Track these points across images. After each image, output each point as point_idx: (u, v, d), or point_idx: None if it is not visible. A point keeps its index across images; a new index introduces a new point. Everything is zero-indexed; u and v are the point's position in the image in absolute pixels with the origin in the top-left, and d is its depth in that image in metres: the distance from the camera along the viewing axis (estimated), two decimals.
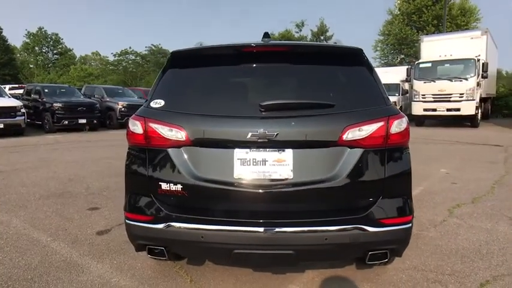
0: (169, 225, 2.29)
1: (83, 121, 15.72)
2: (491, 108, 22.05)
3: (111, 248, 3.54)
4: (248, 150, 2.26)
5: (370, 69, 2.48)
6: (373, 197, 2.29)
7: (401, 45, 30.46)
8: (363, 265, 2.94)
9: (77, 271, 3.06)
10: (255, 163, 2.25)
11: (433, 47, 18.55)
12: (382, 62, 33.64)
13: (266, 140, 2.21)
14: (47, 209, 4.76)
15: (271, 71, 2.54)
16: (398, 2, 31.93)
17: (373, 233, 2.23)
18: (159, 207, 2.35)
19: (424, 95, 17.18)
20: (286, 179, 2.24)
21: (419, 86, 17.36)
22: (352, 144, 2.24)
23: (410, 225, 2.35)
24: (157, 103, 2.41)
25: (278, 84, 2.56)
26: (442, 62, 17.20)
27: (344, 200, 2.30)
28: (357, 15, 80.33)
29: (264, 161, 2.25)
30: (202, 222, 2.26)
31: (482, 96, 17.76)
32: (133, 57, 50.01)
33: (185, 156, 2.31)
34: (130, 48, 49.46)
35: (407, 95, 21.11)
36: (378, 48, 33.71)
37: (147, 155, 2.39)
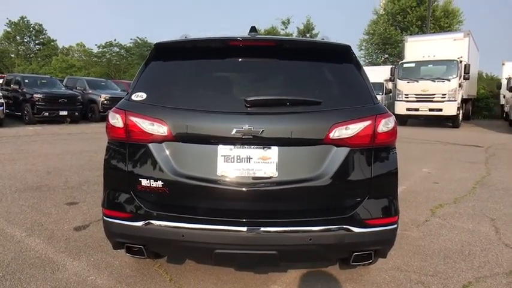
0: (148, 223, 2.20)
1: (64, 113, 15.31)
2: (472, 109, 22.51)
3: (89, 244, 3.42)
4: (232, 146, 2.19)
5: (358, 66, 2.43)
6: (359, 197, 2.25)
7: (386, 45, 30.75)
8: (345, 265, 2.91)
9: (51, 268, 2.94)
10: (239, 160, 2.18)
11: (417, 48, 18.77)
12: (367, 61, 33.89)
13: (251, 137, 2.13)
14: (23, 203, 4.58)
15: (258, 66, 2.46)
16: (384, 1, 32.21)
17: (358, 234, 2.19)
18: (139, 204, 2.25)
19: (407, 94, 17.38)
20: (271, 177, 2.17)
21: (402, 85, 17.55)
22: (339, 142, 2.19)
23: (395, 225, 2.32)
24: (139, 96, 2.31)
25: (264, 80, 2.48)
26: (426, 63, 17.42)
27: (329, 199, 2.25)
28: (343, 14, 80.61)
29: (249, 158, 2.18)
30: (183, 221, 2.18)
31: (464, 97, 18.09)
32: (117, 50, 49.02)
33: (167, 151, 2.22)
34: (115, 40, 48.47)
35: (391, 94, 21.35)
36: (363, 48, 33.93)
37: (127, 150, 2.29)
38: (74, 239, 3.55)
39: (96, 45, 48.47)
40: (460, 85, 16.75)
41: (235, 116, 2.17)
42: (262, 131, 2.12)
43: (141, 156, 2.26)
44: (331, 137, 2.18)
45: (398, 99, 17.75)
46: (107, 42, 48.30)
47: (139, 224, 2.22)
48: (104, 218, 2.37)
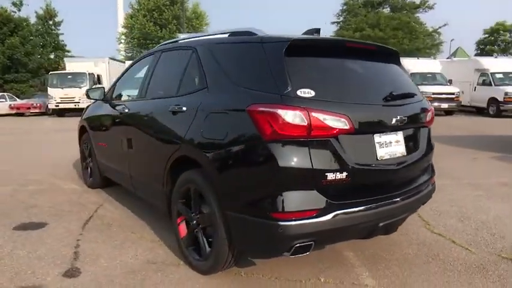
0: (336, 215, 2.28)
1: None
2: None
3: (118, 283, 2.71)
4: (381, 134, 2.58)
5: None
6: (430, 162, 3.12)
7: (146, 40, 31.24)
8: None
9: None
10: (386, 145, 2.59)
11: None
12: (128, 55, 33.32)
13: (400, 124, 2.60)
14: None
15: (370, 65, 2.85)
16: None
17: (432, 189, 3.06)
18: (324, 199, 2.27)
19: None
20: (404, 155, 2.71)
21: None
22: (425, 125, 2.97)
23: None
24: (307, 92, 2.26)
25: (378, 76, 2.86)
26: None
27: (425, 166, 3.02)
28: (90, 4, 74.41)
29: (390, 143, 2.63)
30: (361, 205, 2.40)
31: None
32: None
33: (343, 143, 2.34)
34: None
35: None
36: (122, 41, 33.07)
37: (308, 147, 2.24)
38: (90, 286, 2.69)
39: None
40: None
41: (391, 108, 2.60)
42: (406, 118, 2.64)
43: (324, 151, 2.28)
44: (426, 120, 2.92)
45: None
46: None
47: (327, 217, 2.25)
48: (281, 223, 2.19)
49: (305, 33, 3.11)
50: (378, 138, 2.57)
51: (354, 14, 40.31)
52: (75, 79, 20.39)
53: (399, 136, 2.73)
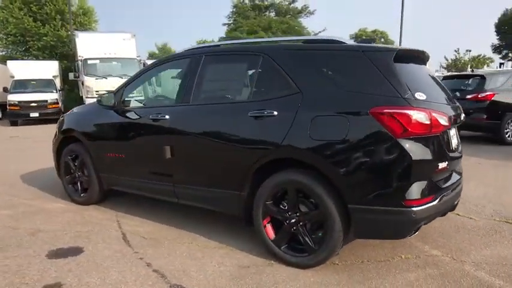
0: (441, 198, 2.76)
1: None
2: None
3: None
4: (450, 129, 3.11)
5: None
6: None
7: (26, 37, 27.16)
8: None
9: None
10: (452, 137, 3.14)
11: (90, 44, 18.79)
12: (1, 54, 28.47)
13: (455, 120, 3.15)
14: None
15: (427, 70, 3.35)
16: None
17: None
18: (435, 185, 2.74)
19: (97, 91, 17.32)
20: (458, 146, 3.29)
21: (91, 82, 17.41)
22: None
23: None
24: (421, 96, 2.68)
25: (434, 79, 3.35)
26: (109, 60, 18.08)
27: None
28: None
29: (453, 136, 3.19)
30: (451, 187, 2.98)
31: None
32: None
33: (443, 138, 2.85)
34: None
35: (63, 92, 20.30)
36: None
37: (428, 142, 2.68)
38: None
39: None
40: None
41: (451, 106, 3.18)
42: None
43: (437, 145, 2.75)
44: None
45: (89, 96, 17.36)
46: None
47: (437, 201, 2.73)
48: (414, 209, 2.58)
49: (360, 42, 3.47)
50: (450, 132, 3.12)
51: (244, 17, 41.83)
52: None
53: (455, 131, 3.33)
